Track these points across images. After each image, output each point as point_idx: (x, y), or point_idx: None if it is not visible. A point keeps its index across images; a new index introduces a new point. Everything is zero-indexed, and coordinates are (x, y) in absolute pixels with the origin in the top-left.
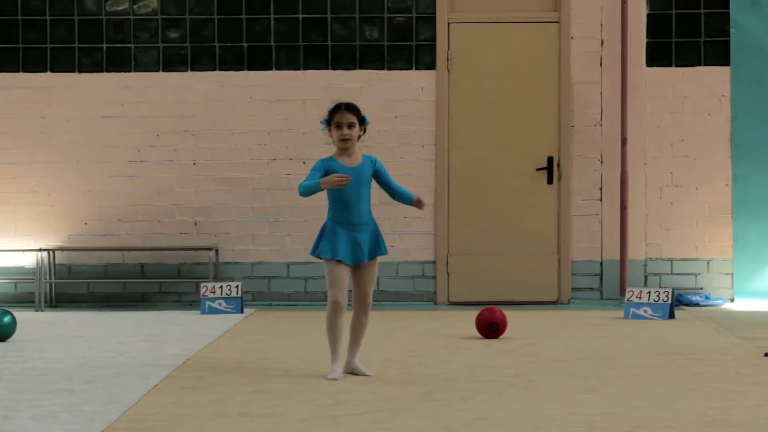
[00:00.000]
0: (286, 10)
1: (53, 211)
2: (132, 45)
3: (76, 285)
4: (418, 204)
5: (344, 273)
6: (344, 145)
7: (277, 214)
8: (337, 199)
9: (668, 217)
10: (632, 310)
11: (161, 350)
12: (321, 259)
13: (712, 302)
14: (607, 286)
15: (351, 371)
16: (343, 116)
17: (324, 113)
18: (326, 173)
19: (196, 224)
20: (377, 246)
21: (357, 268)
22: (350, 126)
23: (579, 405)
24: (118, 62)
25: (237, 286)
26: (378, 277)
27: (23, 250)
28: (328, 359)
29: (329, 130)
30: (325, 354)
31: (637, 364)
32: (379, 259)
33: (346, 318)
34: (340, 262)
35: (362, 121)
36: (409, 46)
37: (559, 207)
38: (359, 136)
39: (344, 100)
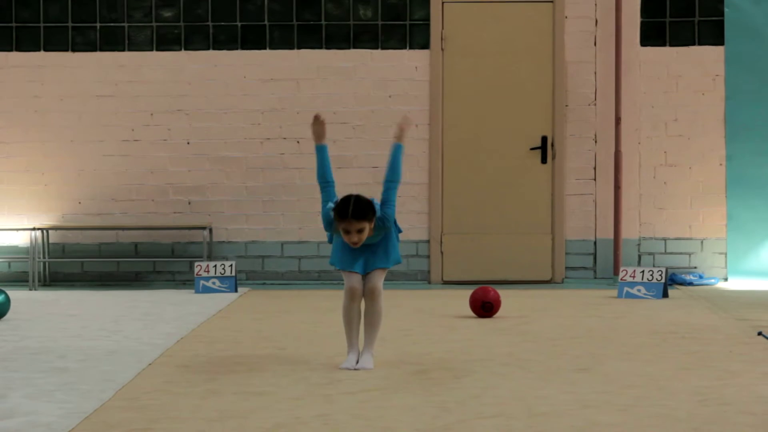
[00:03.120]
0: None
1: (47, 191)
2: (125, 24)
3: (69, 264)
4: (401, 131)
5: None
6: (352, 246)
7: (270, 193)
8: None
9: (662, 196)
10: (626, 289)
11: (155, 329)
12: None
13: (705, 281)
14: (601, 265)
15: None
16: (351, 225)
17: (318, 92)
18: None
19: (189, 203)
20: (385, 258)
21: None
22: (360, 231)
23: (572, 384)
24: (112, 41)
25: (231, 265)
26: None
27: (17, 229)
28: (322, 337)
29: (337, 226)
30: (318, 332)
31: (630, 343)
32: None
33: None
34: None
35: (373, 217)
36: (403, 25)
37: (553, 186)
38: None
39: (352, 209)
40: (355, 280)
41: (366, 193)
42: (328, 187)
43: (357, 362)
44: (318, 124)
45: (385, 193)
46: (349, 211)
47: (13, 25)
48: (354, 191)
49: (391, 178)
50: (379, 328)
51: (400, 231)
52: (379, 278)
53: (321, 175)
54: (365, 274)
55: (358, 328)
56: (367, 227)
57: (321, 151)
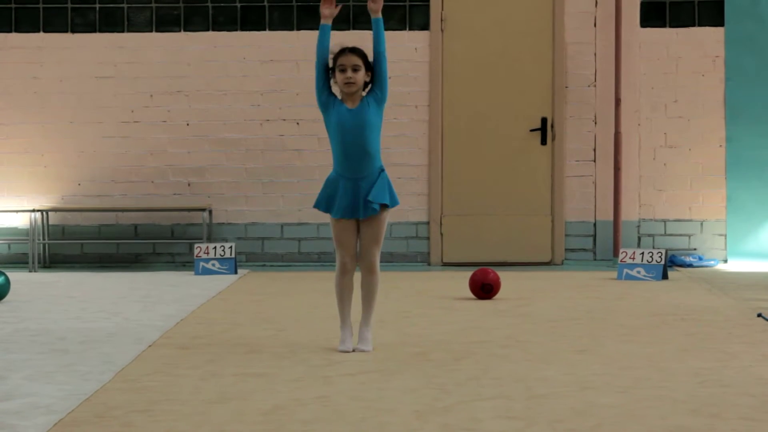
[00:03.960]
0: None
1: (46, 172)
2: (125, 5)
3: (69, 246)
4: (375, 4)
5: (348, 231)
6: (349, 89)
7: (270, 175)
8: (338, 148)
9: (662, 178)
10: (625, 271)
11: (155, 311)
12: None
13: (705, 263)
14: (601, 247)
15: (358, 339)
16: (347, 58)
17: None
18: (324, 104)
19: (189, 185)
20: (380, 196)
21: (360, 222)
22: (355, 69)
23: (572, 365)
24: (111, 22)
25: (230, 247)
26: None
27: (16, 211)
28: (322, 319)
29: (334, 76)
30: (317, 314)
31: (630, 324)
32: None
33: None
34: (341, 218)
35: (369, 66)
36: (403, 6)
37: (552, 168)
38: (367, 84)
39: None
40: (346, 253)
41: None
42: (326, 66)
43: (353, 345)
44: (326, 6)
45: (376, 63)
46: (347, 47)
47: (13, 6)
48: None
49: (380, 50)
50: (376, 303)
51: (396, 203)
52: (372, 237)
53: (321, 54)
54: (360, 225)
55: (349, 304)
56: (362, 68)
57: (324, 29)
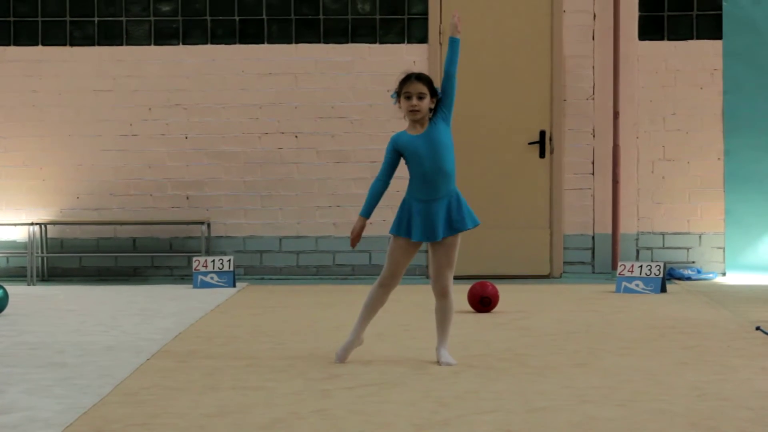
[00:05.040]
0: None
1: (45, 185)
2: (124, 18)
3: (68, 259)
4: (455, 27)
5: (407, 253)
6: (414, 117)
7: (269, 188)
8: (417, 174)
9: (660, 191)
10: (624, 284)
11: (153, 324)
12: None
13: (703, 276)
14: (599, 260)
15: (437, 358)
16: (413, 86)
17: (316, 87)
18: (397, 153)
19: (188, 198)
20: (457, 220)
21: (433, 246)
22: (420, 97)
23: (570, 378)
24: (110, 36)
25: (229, 260)
26: (370, 251)
27: (15, 224)
28: (320, 332)
29: (399, 102)
30: (316, 327)
31: (628, 337)
32: (372, 231)
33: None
34: (405, 239)
35: (434, 93)
36: (402, 19)
37: (551, 181)
38: (431, 109)
39: (415, 71)
40: (388, 272)
41: (366, 187)
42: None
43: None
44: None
45: (446, 82)
46: (413, 74)
47: (11, 19)
48: (352, 185)
49: (453, 71)
50: (450, 326)
51: (476, 223)
52: (444, 263)
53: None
54: (431, 251)
55: (368, 316)
56: (428, 96)
57: (370, 213)
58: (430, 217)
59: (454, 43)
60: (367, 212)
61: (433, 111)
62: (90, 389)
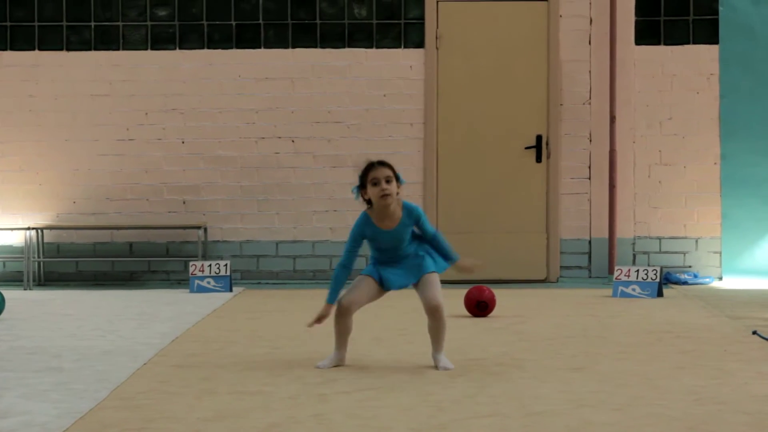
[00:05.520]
0: None
1: (41, 190)
2: (120, 23)
3: (64, 264)
4: (466, 270)
5: (368, 288)
6: (385, 202)
7: (265, 192)
8: (377, 250)
9: (657, 195)
10: (621, 288)
11: (150, 329)
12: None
13: (700, 280)
14: (596, 264)
15: (435, 363)
16: (379, 171)
17: (313, 91)
18: (362, 239)
19: (184, 203)
20: (423, 266)
21: (414, 286)
22: (388, 180)
23: (567, 383)
24: (107, 40)
25: (226, 265)
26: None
27: (11, 229)
28: (317, 337)
29: (363, 194)
30: (313, 332)
31: (625, 342)
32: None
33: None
34: (376, 282)
35: (398, 178)
36: (398, 24)
37: (547, 185)
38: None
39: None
40: (352, 299)
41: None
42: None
43: (334, 363)
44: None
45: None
46: (374, 161)
47: (8, 24)
48: (348, 191)
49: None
50: (444, 336)
51: (445, 267)
52: (431, 288)
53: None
54: (416, 286)
55: (342, 337)
56: (394, 180)
57: (336, 298)
58: (400, 271)
59: (446, 252)
60: (333, 299)
61: (409, 218)
62: (87, 394)
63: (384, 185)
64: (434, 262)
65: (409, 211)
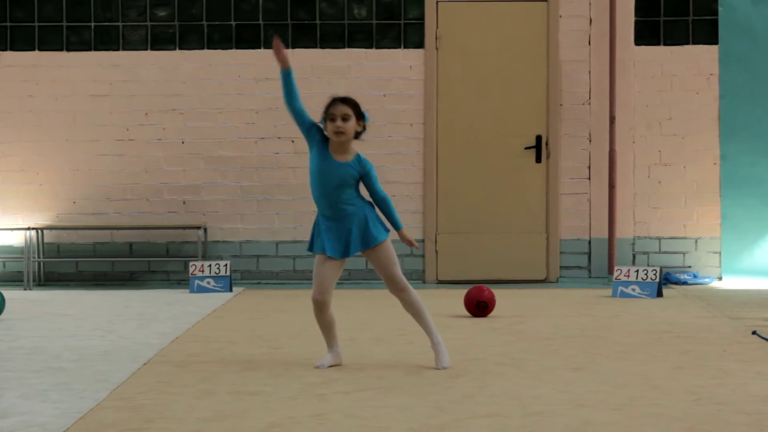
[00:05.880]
0: None
1: (41, 190)
2: (120, 23)
3: (64, 264)
4: (406, 241)
5: (324, 268)
6: (338, 139)
7: (265, 192)
8: (314, 189)
9: (656, 195)
10: (620, 288)
11: (150, 329)
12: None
13: (699, 280)
14: (596, 264)
15: (435, 362)
16: (337, 108)
17: (313, 92)
18: (314, 130)
19: (184, 203)
20: (367, 236)
21: (368, 256)
22: (344, 118)
23: (567, 383)
24: (106, 41)
25: (226, 265)
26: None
27: (12, 229)
28: (317, 337)
29: (325, 125)
30: (313, 332)
31: (624, 342)
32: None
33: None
34: (323, 255)
35: (360, 116)
36: (398, 24)
37: (547, 186)
38: (358, 134)
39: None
40: (317, 290)
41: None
42: (301, 115)
43: (331, 362)
44: (275, 48)
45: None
46: (338, 97)
47: (8, 24)
48: None
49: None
50: (427, 315)
51: (386, 231)
52: (387, 265)
53: (289, 103)
54: (369, 259)
55: (329, 332)
56: (353, 118)
57: (287, 77)
58: (341, 235)
59: (393, 220)
60: (290, 74)
61: (358, 159)
62: (86, 394)
63: (339, 122)
64: (382, 229)
65: (360, 159)
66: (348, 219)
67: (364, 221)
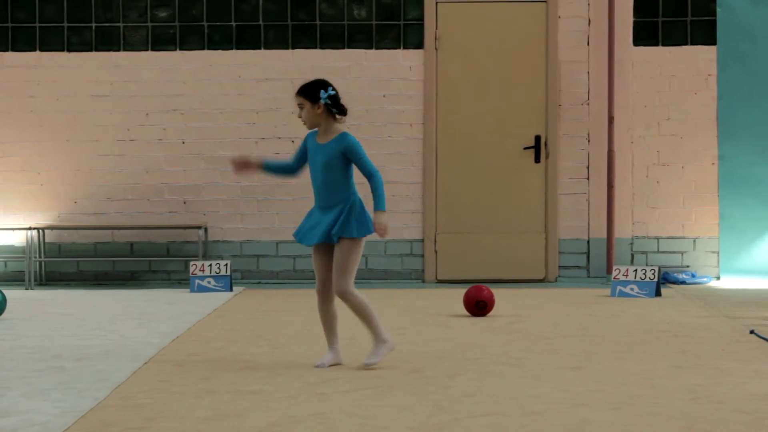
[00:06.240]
0: None
1: (43, 190)
2: (121, 24)
3: (65, 263)
4: (379, 228)
5: (317, 258)
6: (305, 126)
7: (265, 192)
8: (311, 179)
9: (655, 195)
10: (619, 288)
11: (150, 328)
12: None
13: (698, 280)
14: (594, 264)
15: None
16: (295, 99)
17: None
18: (304, 148)
19: (185, 203)
20: (345, 224)
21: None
22: (300, 107)
23: (566, 382)
24: (107, 41)
25: (226, 265)
26: (366, 255)
27: (13, 229)
28: (317, 336)
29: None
30: (313, 331)
31: (623, 341)
32: (370, 237)
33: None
34: (315, 247)
35: (315, 99)
36: (397, 25)
37: (546, 186)
38: (333, 113)
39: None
40: (317, 281)
41: (362, 191)
42: (301, 154)
43: (331, 361)
44: (237, 166)
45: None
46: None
47: (9, 25)
48: None
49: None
50: (370, 319)
51: (362, 234)
52: (336, 266)
53: (293, 172)
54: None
55: (330, 326)
56: (307, 104)
57: (267, 168)
58: (320, 222)
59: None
60: (266, 163)
61: (344, 140)
62: (88, 393)
63: (298, 113)
64: (357, 227)
65: (341, 135)
66: (336, 207)
67: (349, 210)
